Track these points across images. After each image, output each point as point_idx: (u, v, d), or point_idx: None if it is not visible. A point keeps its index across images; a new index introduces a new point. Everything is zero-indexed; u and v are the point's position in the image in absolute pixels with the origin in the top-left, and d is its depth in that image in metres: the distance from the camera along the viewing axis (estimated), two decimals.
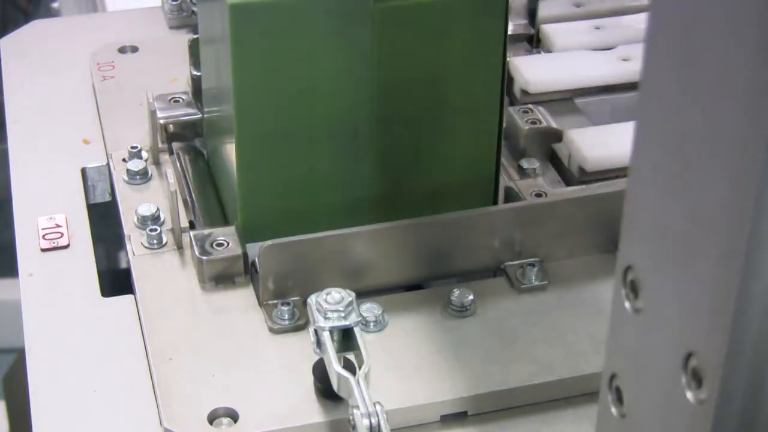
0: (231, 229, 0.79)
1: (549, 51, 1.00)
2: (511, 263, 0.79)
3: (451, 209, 0.78)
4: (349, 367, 0.66)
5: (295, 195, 0.78)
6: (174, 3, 1.09)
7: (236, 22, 0.72)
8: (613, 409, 0.45)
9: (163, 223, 0.83)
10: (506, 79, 0.79)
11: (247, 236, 0.78)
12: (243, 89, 0.74)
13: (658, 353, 0.41)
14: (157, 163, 0.89)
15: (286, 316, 0.74)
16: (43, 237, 0.83)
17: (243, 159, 0.77)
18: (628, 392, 0.44)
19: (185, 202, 0.85)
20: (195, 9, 1.06)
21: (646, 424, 0.43)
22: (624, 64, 0.96)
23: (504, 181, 0.85)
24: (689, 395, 0.38)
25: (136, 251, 0.81)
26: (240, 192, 0.77)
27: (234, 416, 0.69)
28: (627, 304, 0.42)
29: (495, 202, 0.82)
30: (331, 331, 0.67)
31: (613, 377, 0.45)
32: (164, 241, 0.82)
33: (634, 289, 0.42)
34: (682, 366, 0.39)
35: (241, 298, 0.77)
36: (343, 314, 0.67)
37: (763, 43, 0.33)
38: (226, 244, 0.78)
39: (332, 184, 0.78)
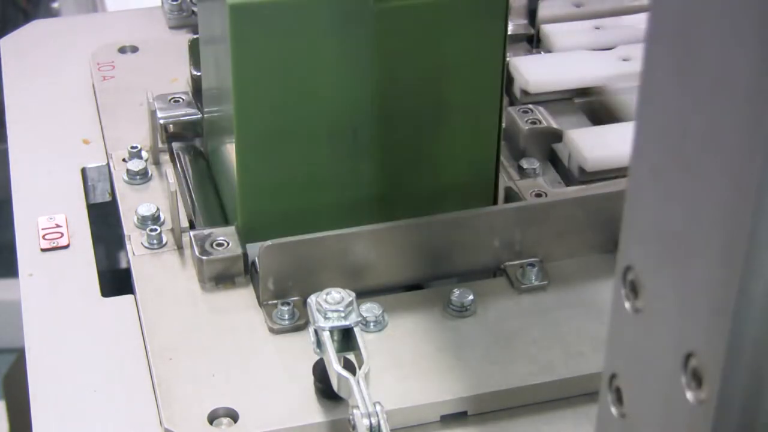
0: (231, 229, 0.79)
1: (549, 51, 1.00)
2: (511, 263, 0.79)
3: (450, 209, 0.78)
4: (349, 367, 0.66)
5: (295, 195, 0.78)
6: (174, 3, 1.09)
7: (236, 22, 0.72)
8: (613, 409, 0.45)
9: (163, 223, 0.83)
10: (506, 79, 0.79)
11: (247, 236, 0.78)
12: (243, 89, 0.74)
13: (658, 353, 0.40)
14: (157, 163, 0.89)
15: (286, 316, 0.74)
16: (43, 237, 0.83)
17: (243, 159, 0.77)
18: (627, 392, 0.44)
19: (185, 202, 0.85)
20: (195, 9, 1.06)
21: (646, 425, 0.43)
22: (624, 64, 0.96)
23: (504, 181, 0.85)
24: (689, 395, 0.38)
25: (136, 251, 0.81)
26: (240, 192, 0.77)
27: (234, 416, 0.69)
28: (627, 304, 0.42)
29: (495, 202, 0.82)
30: (331, 331, 0.67)
31: (613, 377, 0.45)
32: (164, 241, 0.82)
33: (633, 289, 0.42)
34: (682, 366, 0.39)
35: (241, 298, 0.77)
36: (343, 314, 0.67)
37: (763, 44, 0.33)
38: (226, 244, 0.78)
39: (332, 184, 0.78)
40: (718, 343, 0.36)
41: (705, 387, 0.37)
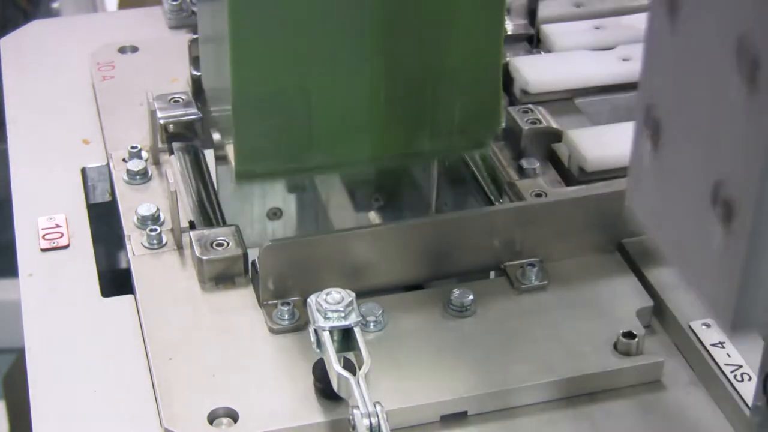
0: (231, 229, 0.79)
1: (549, 51, 1.00)
2: (511, 263, 0.79)
3: (456, 98, 0.76)
4: (349, 367, 0.66)
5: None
6: (174, 3, 1.09)
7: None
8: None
9: (163, 223, 0.83)
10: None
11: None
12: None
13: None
14: (157, 163, 0.89)
15: (286, 316, 0.74)
16: (43, 237, 0.83)
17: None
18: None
19: (185, 202, 0.85)
20: (195, 9, 1.06)
21: None
22: (624, 64, 0.96)
23: (504, 182, 0.85)
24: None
25: (136, 251, 0.81)
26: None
27: (234, 416, 0.69)
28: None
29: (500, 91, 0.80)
30: (331, 331, 0.67)
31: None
32: (164, 241, 0.82)
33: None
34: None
35: (241, 298, 0.77)
36: (343, 314, 0.67)
37: None
38: (226, 244, 0.78)
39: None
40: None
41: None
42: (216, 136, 0.91)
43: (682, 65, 0.39)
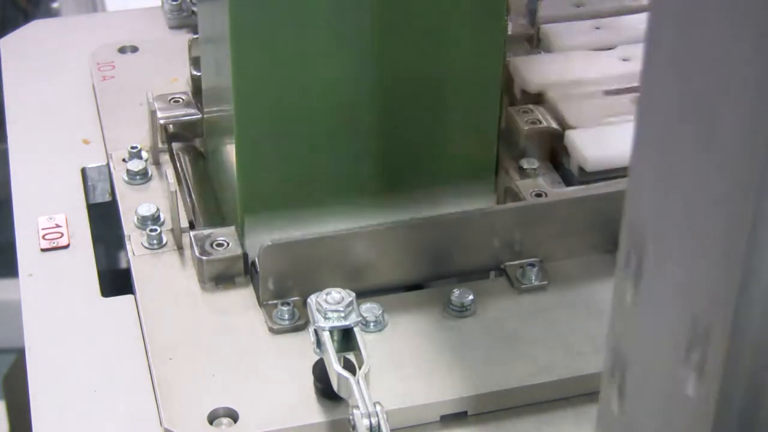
0: (231, 229, 0.79)
1: (549, 51, 1.00)
2: (511, 263, 0.79)
3: (451, 206, 0.78)
4: (349, 367, 0.66)
5: (295, 193, 0.78)
6: (174, 3, 1.09)
7: (236, 18, 0.72)
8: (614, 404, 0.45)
9: (163, 223, 0.83)
10: (506, 77, 0.78)
11: (246, 235, 0.78)
12: (243, 87, 0.74)
13: (660, 343, 0.40)
14: (157, 163, 0.89)
15: (286, 316, 0.74)
16: (43, 237, 0.83)
17: (243, 158, 0.76)
18: (630, 386, 0.44)
19: (185, 202, 0.85)
20: (195, 9, 1.06)
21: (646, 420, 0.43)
22: (624, 64, 0.96)
23: (504, 181, 0.85)
24: (690, 388, 0.38)
25: (136, 251, 0.81)
26: (240, 191, 0.77)
27: (234, 416, 0.69)
28: (628, 296, 0.42)
29: (495, 201, 0.82)
30: (331, 331, 0.67)
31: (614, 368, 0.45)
32: (164, 241, 0.82)
33: (637, 276, 0.41)
34: (684, 357, 0.38)
35: (241, 298, 0.77)
36: (343, 314, 0.67)
37: (762, 40, 0.33)
38: (226, 244, 0.78)
39: (332, 182, 0.78)
40: (720, 334, 0.36)
41: (705, 380, 0.37)
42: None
43: (644, 332, 0.42)
